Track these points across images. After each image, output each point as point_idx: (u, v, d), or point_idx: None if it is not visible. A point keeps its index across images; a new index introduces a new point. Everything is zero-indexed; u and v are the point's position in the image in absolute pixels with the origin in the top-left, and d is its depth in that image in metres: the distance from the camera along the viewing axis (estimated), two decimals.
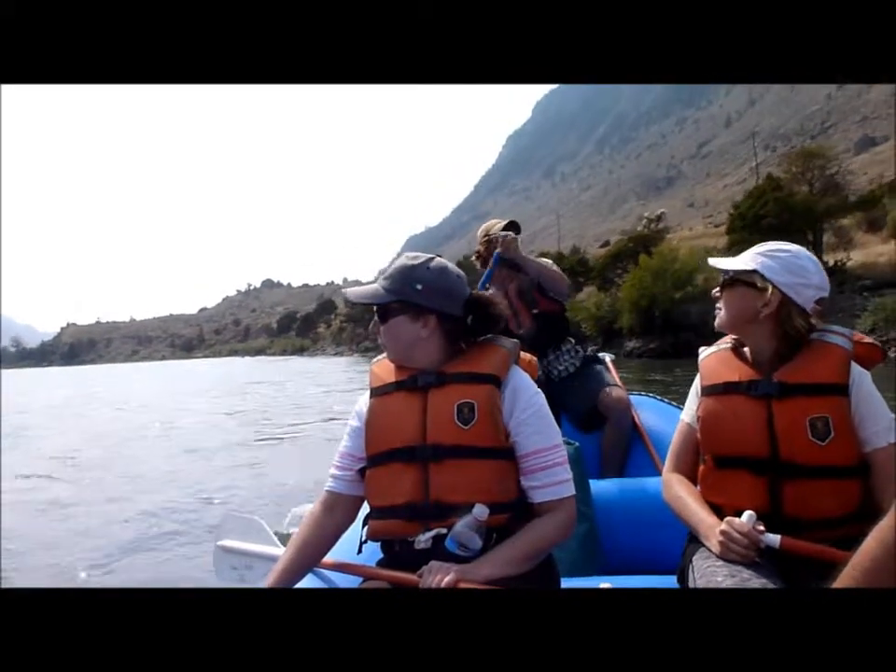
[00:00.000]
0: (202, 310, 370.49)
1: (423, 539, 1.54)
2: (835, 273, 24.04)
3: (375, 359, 1.83)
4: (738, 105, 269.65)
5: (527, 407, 1.61)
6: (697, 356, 1.87)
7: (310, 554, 1.67)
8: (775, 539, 1.49)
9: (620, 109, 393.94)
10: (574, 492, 1.62)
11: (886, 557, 0.91)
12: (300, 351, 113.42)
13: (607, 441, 3.16)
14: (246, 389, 24.96)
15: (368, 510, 1.69)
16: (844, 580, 0.96)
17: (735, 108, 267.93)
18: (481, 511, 1.49)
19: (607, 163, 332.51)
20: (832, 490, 1.54)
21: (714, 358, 1.78)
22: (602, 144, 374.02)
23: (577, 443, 2.47)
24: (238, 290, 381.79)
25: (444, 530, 1.53)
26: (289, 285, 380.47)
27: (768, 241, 1.77)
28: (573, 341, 3.48)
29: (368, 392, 1.75)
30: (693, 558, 1.61)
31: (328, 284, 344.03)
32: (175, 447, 10.44)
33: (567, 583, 1.73)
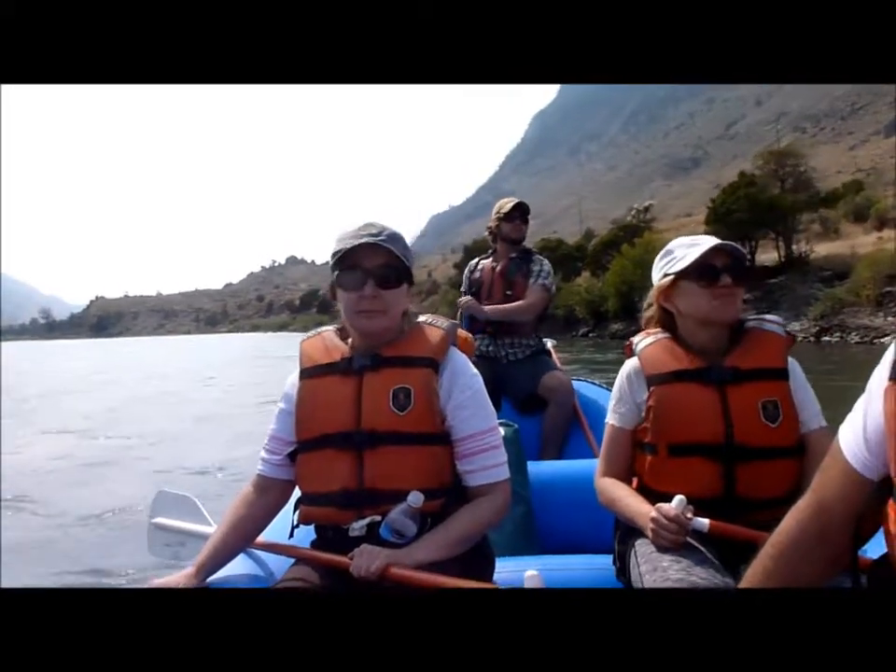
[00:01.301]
0: (227, 285, 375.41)
1: (357, 527, 1.52)
2: (799, 264, 25.70)
3: (306, 336, 1.77)
4: (768, 85, 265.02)
5: (465, 390, 1.59)
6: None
7: (241, 535, 1.64)
8: (703, 523, 1.51)
9: (649, 87, 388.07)
10: (508, 475, 1.61)
11: (801, 536, 1.01)
12: (320, 327, 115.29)
13: (547, 424, 3.24)
14: (266, 363, 25.92)
15: (299, 493, 1.66)
16: (761, 558, 1.05)
17: (765, 89, 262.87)
18: (415, 498, 1.47)
19: (633, 143, 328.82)
20: (781, 470, 1.59)
21: (655, 349, 1.77)
22: (629, 123, 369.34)
23: (516, 425, 2.48)
24: (263, 267, 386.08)
25: (378, 517, 1.50)
26: (313, 262, 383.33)
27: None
28: (537, 337, 3.63)
29: (297, 372, 1.69)
30: (637, 543, 1.63)
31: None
32: (190, 414, 11.16)
33: (501, 564, 1.73)
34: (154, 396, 14.91)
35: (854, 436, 1.01)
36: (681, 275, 1.69)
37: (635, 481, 1.77)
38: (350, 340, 1.66)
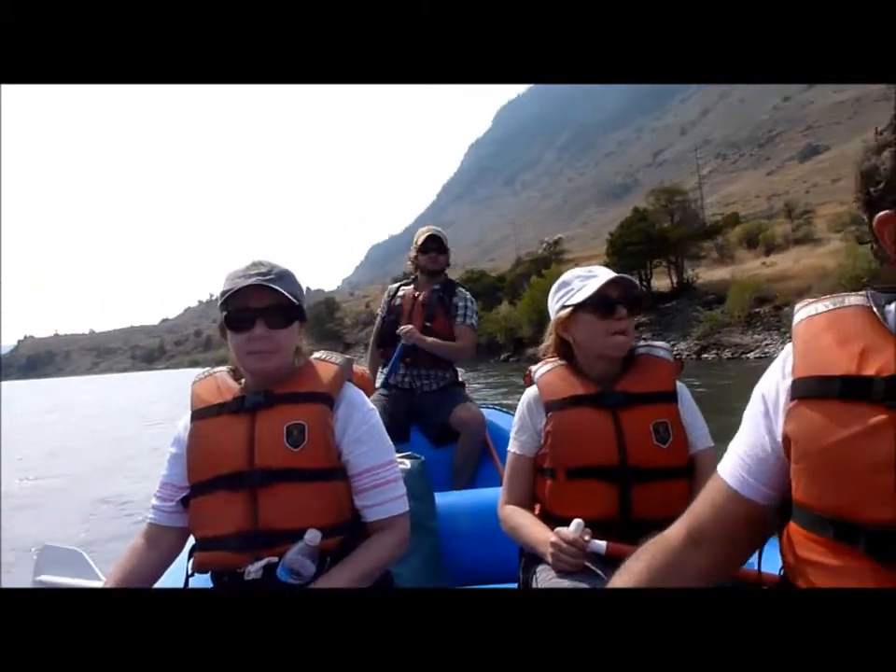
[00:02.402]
0: (163, 321, 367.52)
1: (253, 570, 1.46)
2: (688, 289, 28.51)
3: (197, 378, 1.72)
4: (692, 114, 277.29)
5: (361, 425, 1.58)
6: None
7: None
8: (601, 545, 1.54)
9: (580, 117, 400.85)
10: (407, 508, 1.60)
11: (671, 557, 1.04)
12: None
13: (458, 455, 3.23)
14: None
15: (194, 541, 1.60)
16: (632, 572, 1.06)
17: (689, 118, 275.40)
18: (313, 536, 1.44)
19: (567, 171, 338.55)
20: (673, 490, 1.63)
21: (552, 376, 1.81)
22: (562, 152, 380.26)
23: (423, 458, 2.44)
24: (200, 301, 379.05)
25: (276, 559, 1.46)
26: None
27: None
28: (453, 370, 3.57)
29: (188, 415, 1.64)
30: (538, 569, 1.66)
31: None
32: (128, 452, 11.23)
33: None
34: (86, 436, 15.15)
35: (738, 458, 1.03)
36: (579, 307, 1.75)
37: (537, 507, 1.80)
38: (243, 380, 1.64)
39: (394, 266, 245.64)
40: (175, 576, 1.64)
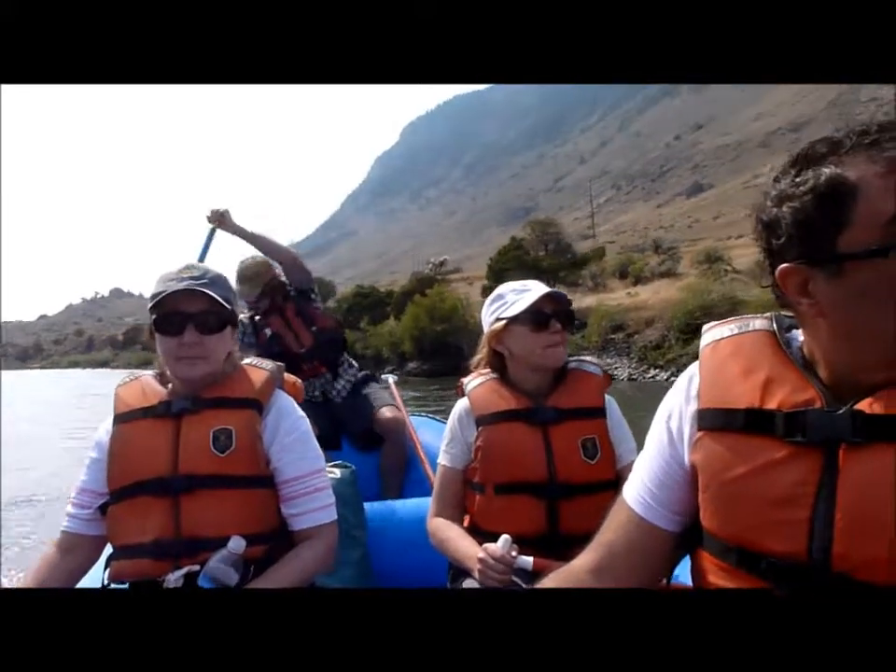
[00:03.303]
0: (41, 317, 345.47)
1: (172, 579, 1.41)
2: None
3: (121, 381, 1.68)
4: (592, 144, 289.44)
5: (291, 432, 1.56)
6: (460, 372, 1.95)
7: None
8: (527, 561, 1.55)
9: (486, 139, 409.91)
10: (335, 518, 1.58)
11: (582, 577, 1.03)
12: (145, 365, 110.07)
13: (384, 461, 3.16)
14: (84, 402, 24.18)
15: (110, 549, 1.55)
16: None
17: (589, 147, 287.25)
18: (236, 544, 1.42)
19: (471, 191, 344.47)
20: (601, 505, 1.53)
21: (484, 390, 1.83)
22: (468, 171, 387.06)
23: (353, 467, 2.40)
24: (84, 298, 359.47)
25: (197, 567, 1.41)
26: (140, 295, 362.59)
27: None
28: (350, 360, 3.51)
29: (110, 419, 1.60)
30: (465, 583, 1.70)
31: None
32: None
33: None
34: None
35: (644, 485, 1.03)
36: (513, 320, 1.76)
37: (466, 519, 1.82)
38: (170, 385, 1.61)
39: None
40: (91, 585, 1.60)
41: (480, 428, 1.78)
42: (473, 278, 42.53)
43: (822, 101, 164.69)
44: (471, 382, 1.89)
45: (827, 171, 0.83)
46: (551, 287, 1.84)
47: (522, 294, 1.80)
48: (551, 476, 1.71)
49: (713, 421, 0.94)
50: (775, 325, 0.97)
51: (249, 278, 3.36)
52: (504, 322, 1.79)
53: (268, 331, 3.43)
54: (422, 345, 31.89)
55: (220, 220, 3.33)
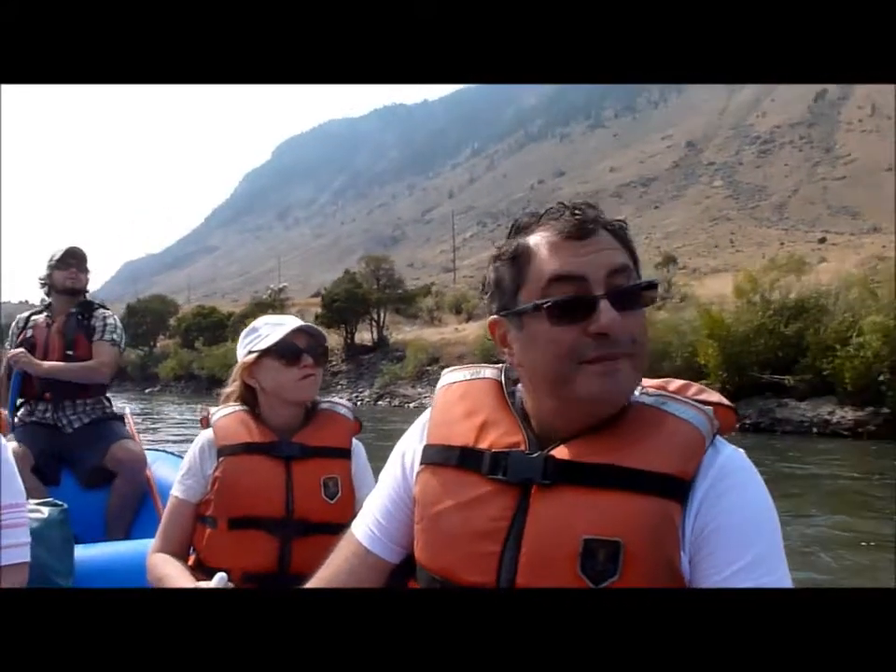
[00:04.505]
0: None
1: None
2: (383, 345, 33.22)
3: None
4: (461, 180, 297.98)
5: None
6: None
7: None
8: None
9: (358, 166, 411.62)
10: (26, 560, 1.46)
11: None
12: None
13: (114, 499, 3.00)
14: None
15: None
16: None
17: (457, 183, 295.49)
18: None
19: (339, 215, 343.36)
20: (334, 546, 1.54)
21: (230, 421, 1.81)
22: (337, 195, 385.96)
23: (64, 505, 2.19)
24: None
25: None
26: None
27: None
28: (106, 400, 3.36)
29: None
30: None
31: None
32: None
33: None
34: None
35: (373, 516, 1.08)
36: (265, 353, 1.77)
37: (192, 558, 1.78)
38: None
39: (145, 286, 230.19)
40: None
41: (220, 459, 1.76)
42: (311, 305, 43.83)
43: (667, 161, 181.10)
44: (218, 412, 1.86)
45: (519, 239, 0.97)
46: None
47: (275, 328, 1.81)
48: (288, 512, 1.72)
49: (433, 456, 1.00)
50: (503, 376, 1.05)
51: (74, 260, 3.31)
52: (256, 355, 1.80)
53: (30, 332, 3.33)
54: None
55: (17, 362, 3.12)
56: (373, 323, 32.99)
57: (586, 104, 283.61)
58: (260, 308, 36.72)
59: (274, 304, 40.98)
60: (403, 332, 34.29)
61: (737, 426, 1.03)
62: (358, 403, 24.76)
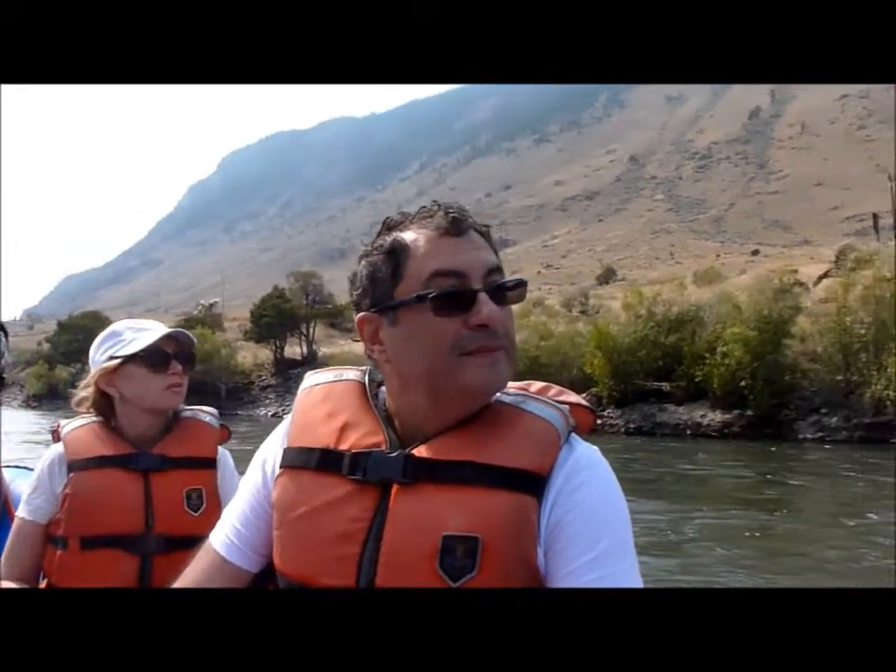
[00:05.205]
0: None
1: None
2: (312, 359, 33.59)
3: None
4: (409, 193, 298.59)
5: None
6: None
7: None
8: None
9: (306, 179, 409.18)
10: None
11: None
12: None
13: None
14: None
15: None
16: None
17: (406, 196, 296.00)
18: None
19: (287, 228, 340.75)
20: None
21: (82, 433, 1.71)
22: (285, 209, 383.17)
23: None
24: None
25: None
26: None
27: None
28: None
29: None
30: None
31: None
32: None
33: None
34: None
35: (231, 525, 1.05)
36: (130, 359, 1.68)
37: (44, 582, 1.68)
38: None
39: (86, 301, 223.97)
40: None
41: (71, 475, 1.66)
42: (240, 319, 43.48)
43: (611, 175, 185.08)
44: (69, 425, 1.76)
45: (393, 235, 0.97)
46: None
47: (140, 332, 1.73)
48: (148, 528, 1.64)
49: (293, 459, 0.98)
50: (367, 378, 1.05)
51: None
52: (119, 361, 1.70)
53: None
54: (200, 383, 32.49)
55: None
56: (303, 337, 32.99)
57: (532, 118, 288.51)
58: (190, 324, 36.33)
59: (205, 320, 40.52)
60: (338, 346, 34.45)
61: (598, 423, 1.04)
62: (286, 417, 24.27)
